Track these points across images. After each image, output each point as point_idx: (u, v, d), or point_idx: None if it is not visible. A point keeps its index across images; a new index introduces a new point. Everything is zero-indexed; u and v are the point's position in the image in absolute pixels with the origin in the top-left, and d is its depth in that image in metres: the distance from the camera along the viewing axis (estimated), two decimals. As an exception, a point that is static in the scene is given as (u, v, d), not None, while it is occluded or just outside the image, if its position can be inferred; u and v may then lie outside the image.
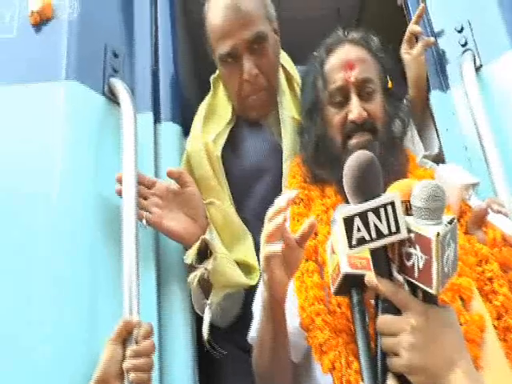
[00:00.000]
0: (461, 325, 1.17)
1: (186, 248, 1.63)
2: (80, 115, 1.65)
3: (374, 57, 1.58)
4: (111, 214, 1.56)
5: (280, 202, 1.16)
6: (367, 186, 0.94)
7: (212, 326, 1.61)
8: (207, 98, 1.95)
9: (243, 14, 1.75)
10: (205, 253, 1.62)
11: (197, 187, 1.72)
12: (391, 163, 1.44)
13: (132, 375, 1.24)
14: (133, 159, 1.54)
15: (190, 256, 1.60)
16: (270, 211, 1.17)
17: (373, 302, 1.05)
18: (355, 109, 1.48)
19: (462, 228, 1.44)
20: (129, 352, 1.27)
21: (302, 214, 1.48)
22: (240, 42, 1.75)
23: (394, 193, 0.94)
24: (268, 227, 1.16)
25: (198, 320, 1.64)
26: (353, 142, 1.48)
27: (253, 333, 1.43)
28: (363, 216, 0.91)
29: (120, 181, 1.54)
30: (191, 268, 1.61)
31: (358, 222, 0.91)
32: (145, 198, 1.59)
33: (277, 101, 1.86)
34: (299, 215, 1.48)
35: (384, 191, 1.09)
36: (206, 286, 1.63)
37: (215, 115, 1.90)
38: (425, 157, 1.75)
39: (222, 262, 1.61)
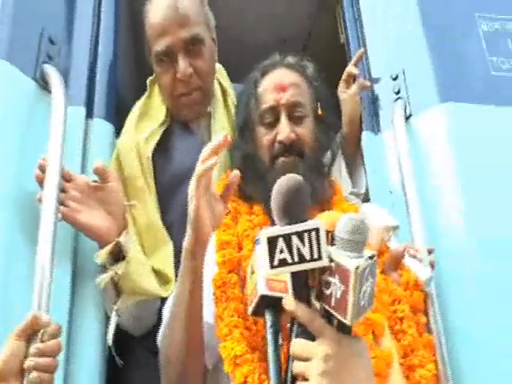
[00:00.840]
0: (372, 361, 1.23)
1: (101, 246, 1.59)
2: (6, 95, 1.59)
3: (308, 83, 1.62)
4: (32, 206, 1.51)
5: (211, 144, 1.19)
6: (294, 210, 0.95)
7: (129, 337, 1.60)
8: (142, 98, 1.96)
9: (182, 14, 1.79)
10: (119, 255, 1.59)
11: (123, 186, 1.72)
12: (316, 188, 1.47)
13: (33, 374, 1.17)
14: (59, 150, 1.51)
15: (102, 256, 1.56)
16: (204, 153, 1.19)
17: (288, 325, 1.05)
18: (284, 130, 1.51)
19: (379, 267, 1.50)
20: (32, 350, 1.20)
21: (229, 226, 1.48)
22: (176, 40, 1.78)
23: (319, 220, 0.96)
24: (199, 167, 1.18)
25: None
26: (279, 161, 1.51)
27: (162, 333, 1.39)
28: (287, 238, 0.92)
29: (42, 168, 1.50)
30: (104, 268, 1.58)
31: (281, 243, 0.93)
32: (63, 191, 1.54)
33: (210, 108, 1.90)
34: (226, 226, 1.48)
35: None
36: (119, 289, 1.60)
37: (149, 115, 1.91)
38: (352, 193, 1.83)
39: (134, 267, 1.58)
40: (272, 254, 0.93)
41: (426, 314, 1.50)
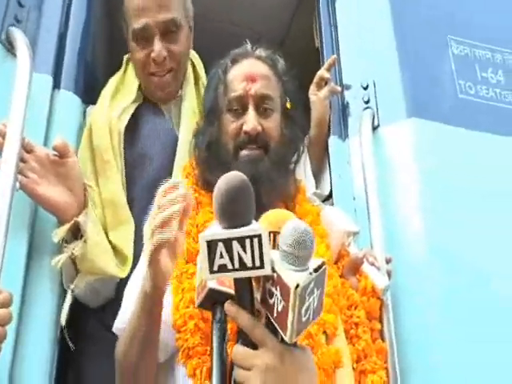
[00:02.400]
0: (318, 356, 1.22)
1: (60, 222, 1.54)
2: None
3: (278, 77, 1.60)
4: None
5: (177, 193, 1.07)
6: (235, 212, 0.87)
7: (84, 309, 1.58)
8: (117, 75, 1.95)
9: None
10: (77, 234, 1.55)
11: (91, 158, 1.71)
12: (278, 184, 1.45)
13: None
14: (21, 116, 1.45)
15: (59, 234, 1.52)
16: (162, 191, 1.08)
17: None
18: (250, 121, 1.48)
19: (338, 271, 1.50)
20: None
21: (190, 217, 1.45)
22: (154, 22, 1.79)
23: (262, 225, 0.89)
24: (163, 214, 1.05)
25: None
26: (244, 153, 1.48)
27: (120, 324, 1.34)
28: (227, 243, 0.85)
29: (1, 133, 1.44)
30: (60, 247, 1.54)
31: (221, 247, 0.86)
32: (23, 162, 1.48)
33: (181, 92, 1.91)
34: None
35: (267, 210, 1.09)
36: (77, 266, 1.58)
37: (122, 92, 1.90)
38: (315, 194, 1.82)
39: (92, 248, 1.55)
40: (211, 258, 0.86)
41: (381, 321, 1.50)
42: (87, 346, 1.67)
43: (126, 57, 1.98)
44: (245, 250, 0.85)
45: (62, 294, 1.56)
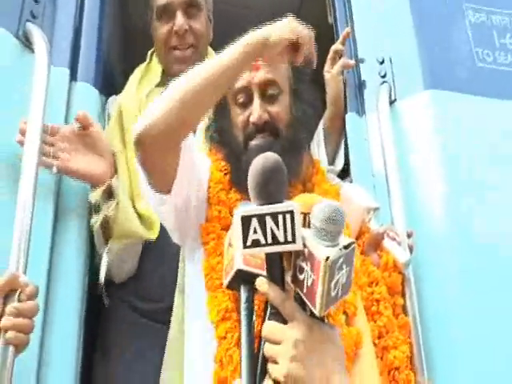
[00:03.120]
0: None
1: (95, 186, 1.65)
2: None
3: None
4: (11, 165, 1.51)
5: None
6: (270, 189, 0.91)
7: (108, 285, 1.67)
8: (141, 65, 2.05)
9: None
10: (110, 197, 1.66)
11: (122, 138, 1.82)
12: (292, 167, 1.42)
13: (9, 334, 1.19)
14: (41, 110, 1.51)
15: (95, 196, 1.64)
16: None
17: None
18: (256, 111, 1.48)
19: (359, 248, 1.49)
20: (10, 309, 1.20)
21: (225, 187, 1.51)
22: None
23: (295, 202, 0.92)
24: None
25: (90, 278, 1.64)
26: (253, 143, 1.48)
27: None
28: (261, 219, 0.89)
29: (23, 132, 1.51)
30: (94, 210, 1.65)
31: (255, 223, 0.89)
32: (51, 145, 1.59)
33: None
34: (223, 184, 1.51)
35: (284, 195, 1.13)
36: (107, 231, 1.68)
37: (148, 78, 2.01)
38: (328, 171, 1.82)
39: (123, 210, 1.66)
40: (245, 234, 0.89)
41: (403, 296, 1.51)
42: (112, 328, 1.79)
43: (150, 51, 2.09)
44: (277, 226, 0.88)
45: (87, 273, 1.63)
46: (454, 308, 1.54)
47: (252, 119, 1.49)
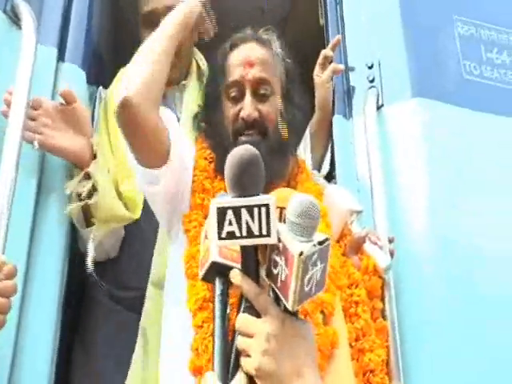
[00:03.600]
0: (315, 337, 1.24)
1: (74, 166, 1.65)
2: None
3: (278, 59, 1.60)
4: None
5: None
6: (246, 182, 0.92)
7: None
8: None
9: None
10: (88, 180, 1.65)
11: (108, 130, 1.83)
12: (276, 168, 1.45)
13: None
14: (26, 86, 1.49)
15: (70, 187, 1.61)
16: None
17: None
18: (246, 107, 1.50)
19: (340, 249, 1.50)
20: None
21: (210, 175, 1.51)
22: (162, 7, 1.90)
23: (270, 196, 0.92)
24: None
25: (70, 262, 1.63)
26: (241, 139, 1.48)
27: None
28: (236, 211, 0.89)
29: (8, 103, 1.50)
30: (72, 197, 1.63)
31: (230, 215, 0.89)
32: (33, 120, 1.57)
33: (185, 82, 2.00)
34: (208, 173, 1.51)
35: (266, 192, 1.12)
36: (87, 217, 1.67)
37: None
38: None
39: (105, 196, 1.65)
40: (221, 226, 0.90)
41: (382, 300, 1.51)
42: (91, 317, 1.81)
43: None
44: (253, 219, 0.89)
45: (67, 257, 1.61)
46: (433, 313, 1.54)
47: (242, 115, 1.50)
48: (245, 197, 0.90)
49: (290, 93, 1.58)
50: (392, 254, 1.56)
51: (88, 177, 1.63)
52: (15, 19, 1.62)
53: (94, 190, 1.63)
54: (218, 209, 0.89)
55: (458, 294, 1.57)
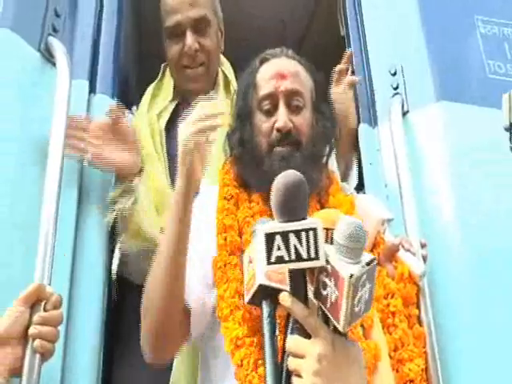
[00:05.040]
0: None
1: (119, 178, 1.72)
2: (11, 63, 1.61)
3: (308, 73, 1.61)
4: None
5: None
6: (293, 207, 0.94)
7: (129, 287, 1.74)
8: (154, 82, 2.09)
9: None
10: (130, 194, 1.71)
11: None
12: (312, 178, 1.45)
13: (36, 342, 1.22)
14: (63, 121, 1.54)
15: (113, 196, 1.69)
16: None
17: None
18: (282, 118, 1.50)
19: (374, 259, 1.51)
20: (36, 318, 1.24)
21: (231, 211, 1.49)
22: (186, 18, 1.98)
23: (317, 219, 0.94)
24: (201, 124, 1.28)
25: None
26: (277, 150, 1.50)
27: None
28: (284, 236, 0.91)
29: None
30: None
31: (278, 240, 0.91)
32: (82, 140, 1.64)
33: (212, 93, 2.00)
34: (227, 210, 1.49)
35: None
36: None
37: (161, 94, 2.05)
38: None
39: (141, 207, 1.71)
40: (269, 251, 0.92)
41: (418, 307, 1.51)
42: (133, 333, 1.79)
43: (163, 65, 2.14)
44: (301, 243, 0.91)
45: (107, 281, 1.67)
46: (469, 318, 1.54)
47: (277, 125, 1.50)
48: (292, 221, 0.92)
49: (319, 105, 1.59)
50: (425, 259, 1.56)
51: (130, 190, 1.70)
52: (49, 57, 1.67)
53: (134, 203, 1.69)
54: (267, 235, 0.91)
55: (493, 296, 1.56)
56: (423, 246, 1.58)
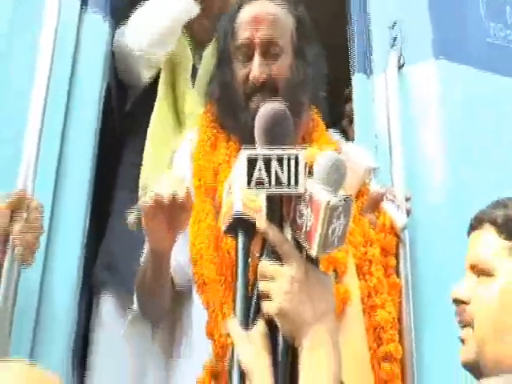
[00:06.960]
0: None
1: None
2: None
3: (289, 13, 1.57)
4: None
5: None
6: (277, 134, 0.96)
7: None
8: None
9: None
10: None
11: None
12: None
13: (17, 250, 1.25)
14: (51, 39, 1.53)
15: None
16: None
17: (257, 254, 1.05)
18: (255, 69, 1.49)
19: (357, 208, 1.49)
20: (18, 226, 1.26)
21: (208, 152, 1.51)
22: None
23: (299, 150, 0.95)
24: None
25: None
26: (254, 103, 1.47)
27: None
28: (267, 160, 0.93)
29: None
30: None
31: (260, 164, 0.93)
32: None
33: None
34: (204, 152, 1.52)
35: None
36: None
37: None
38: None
39: None
40: (250, 174, 0.93)
41: (397, 258, 1.52)
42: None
43: None
44: (282, 169, 0.92)
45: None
46: (447, 272, 1.52)
47: (251, 76, 1.49)
48: (275, 149, 0.93)
49: (302, 48, 1.56)
50: (408, 213, 1.56)
51: None
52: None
53: None
54: (250, 158, 0.93)
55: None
56: (408, 199, 1.58)
